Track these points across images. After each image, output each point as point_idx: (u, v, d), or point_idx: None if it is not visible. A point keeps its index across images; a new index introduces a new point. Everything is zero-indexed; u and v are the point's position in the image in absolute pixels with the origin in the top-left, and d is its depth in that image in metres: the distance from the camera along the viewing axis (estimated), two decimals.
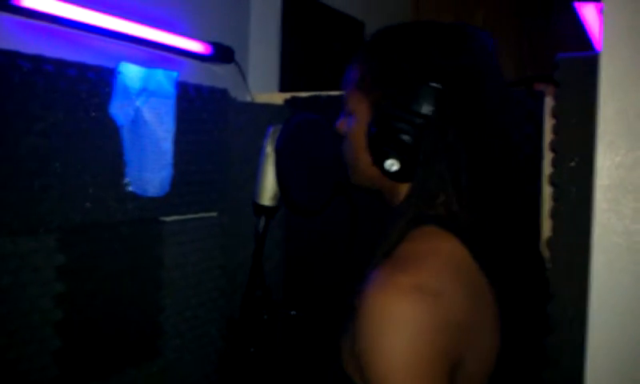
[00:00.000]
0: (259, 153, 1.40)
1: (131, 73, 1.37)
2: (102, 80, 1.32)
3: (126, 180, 1.38)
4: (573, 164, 0.97)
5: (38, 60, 1.20)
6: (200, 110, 1.59)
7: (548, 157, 1.23)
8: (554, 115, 1.03)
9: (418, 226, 0.90)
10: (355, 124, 1.02)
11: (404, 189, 0.97)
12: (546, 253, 1.15)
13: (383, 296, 0.80)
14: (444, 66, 0.90)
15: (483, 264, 0.87)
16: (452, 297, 0.81)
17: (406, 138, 0.90)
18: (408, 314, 0.78)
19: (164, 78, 1.45)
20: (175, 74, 1.48)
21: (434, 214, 0.91)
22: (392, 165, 0.93)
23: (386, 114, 0.93)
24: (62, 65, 1.24)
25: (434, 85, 0.89)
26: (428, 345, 0.77)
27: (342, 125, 1.10)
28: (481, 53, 0.94)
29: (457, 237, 0.87)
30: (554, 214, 1.03)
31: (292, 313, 1.61)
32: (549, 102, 1.31)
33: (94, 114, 1.30)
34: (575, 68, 0.99)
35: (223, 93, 1.67)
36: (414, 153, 0.91)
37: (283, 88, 2.18)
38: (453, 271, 0.84)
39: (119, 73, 1.35)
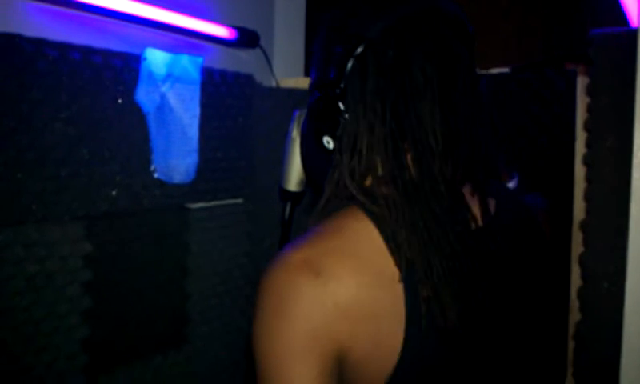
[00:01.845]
0: (285, 138, 1.39)
1: (156, 59, 1.37)
2: (128, 66, 1.32)
3: (153, 167, 1.38)
4: (608, 144, 0.94)
5: (64, 47, 1.20)
6: (225, 95, 1.58)
7: (581, 137, 1.19)
8: (589, 94, 0.99)
9: (336, 207, 0.86)
10: None
11: None
12: (578, 235, 1.12)
13: (268, 273, 0.78)
14: (360, 34, 0.84)
15: (396, 249, 0.79)
16: (343, 280, 0.75)
17: (330, 111, 0.86)
18: (286, 289, 0.75)
19: (189, 64, 1.45)
20: (200, 59, 1.48)
21: (352, 193, 0.84)
22: (328, 142, 0.88)
23: (313, 91, 0.90)
24: (87, 52, 1.24)
25: (345, 52, 0.84)
26: (306, 322, 0.74)
27: None
28: (416, 17, 0.84)
29: (371, 218, 0.81)
30: (588, 196, 1.00)
31: None
32: (581, 81, 1.28)
33: (119, 100, 1.30)
34: (610, 44, 0.96)
35: (248, 78, 1.66)
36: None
37: (309, 72, 2.16)
38: (353, 254, 0.78)
39: (144, 59, 1.34)
